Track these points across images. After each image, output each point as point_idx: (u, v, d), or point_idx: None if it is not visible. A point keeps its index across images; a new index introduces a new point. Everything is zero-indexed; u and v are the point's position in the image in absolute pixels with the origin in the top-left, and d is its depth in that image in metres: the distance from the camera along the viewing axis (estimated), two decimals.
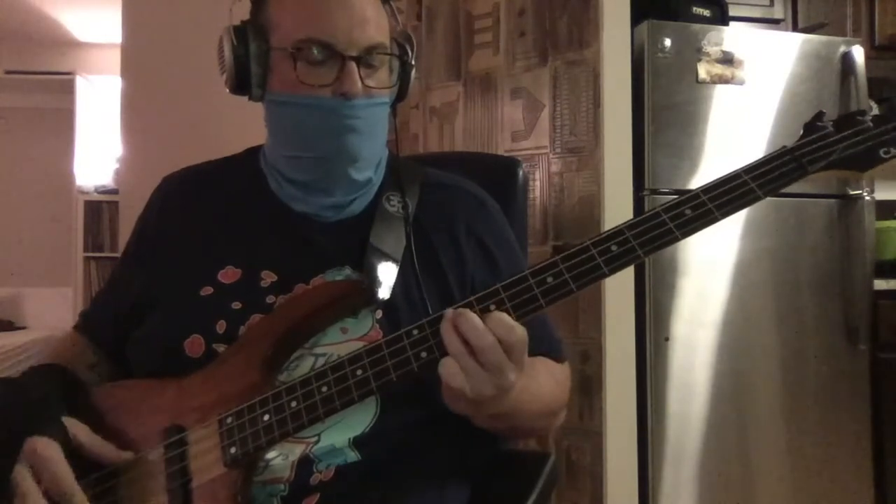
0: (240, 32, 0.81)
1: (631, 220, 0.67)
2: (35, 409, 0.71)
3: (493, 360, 0.63)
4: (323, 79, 0.77)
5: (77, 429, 0.71)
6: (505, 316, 0.64)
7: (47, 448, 0.67)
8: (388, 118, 0.86)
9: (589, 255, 0.65)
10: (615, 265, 0.65)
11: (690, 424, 1.86)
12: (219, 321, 0.78)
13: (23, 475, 0.66)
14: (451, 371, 0.63)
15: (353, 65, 0.77)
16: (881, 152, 0.66)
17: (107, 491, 0.70)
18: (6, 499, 0.65)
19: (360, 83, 0.78)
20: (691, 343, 1.86)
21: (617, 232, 0.66)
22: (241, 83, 0.82)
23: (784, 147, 0.68)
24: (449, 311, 0.65)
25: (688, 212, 0.66)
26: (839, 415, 1.99)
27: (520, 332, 0.64)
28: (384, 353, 0.66)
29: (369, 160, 0.85)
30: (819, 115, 0.69)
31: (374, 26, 0.80)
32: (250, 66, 0.81)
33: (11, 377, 0.76)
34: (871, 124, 0.67)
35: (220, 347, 0.77)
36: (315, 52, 0.77)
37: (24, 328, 4.18)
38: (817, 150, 0.67)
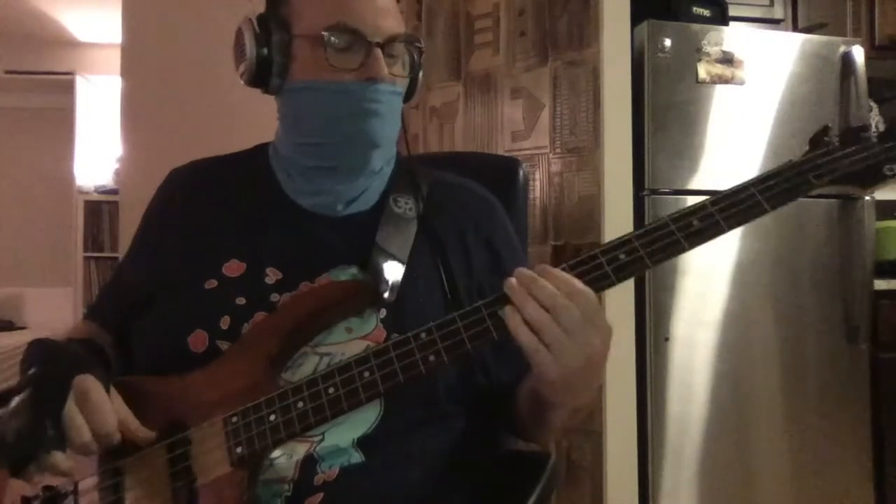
0: (262, 23, 0.82)
1: (639, 229, 0.68)
2: (84, 359, 0.73)
3: (571, 318, 0.62)
4: (349, 64, 0.79)
5: (115, 397, 0.72)
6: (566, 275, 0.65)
7: (95, 386, 0.69)
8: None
9: (597, 263, 0.66)
10: (623, 273, 0.66)
11: (690, 424, 1.86)
12: (223, 317, 0.78)
13: (74, 411, 0.67)
14: (531, 344, 0.63)
15: (379, 50, 0.79)
16: (885, 170, 0.67)
17: (110, 489, 0.70)
18: (60, 433, 0.66)
19: (385, 68, 0.80)
20: (691, 343, 1.87)
21: (625, 241, 0.67)
22: (260, 74, 0.83)
23: (790, 161, 0.69)
24: (513, 282, 0.64)
25: (695, 223, 0.67)
26: (839, 415, 1.99)
27: (590, 293, 0.65)
28: (392, 356, 0.67)
29: (387, 147, 0.86)
30: (825, 130, 0.70)
31: (394, 17, 0.83)
32: (272, 55, 0.82)
33: (53, 339, 0.77)
34: (875, 140, 0.68)
35: (224, 344, 0.77)
36: (343, 37, 0.79)
37: (24, 328, 4.18)
38: (823, 165, 0.68)
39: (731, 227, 0.67)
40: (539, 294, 0.63)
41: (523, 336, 0.63)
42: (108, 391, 0.71)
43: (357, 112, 0.80)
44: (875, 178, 0.68)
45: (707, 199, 0.68)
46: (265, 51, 0.82)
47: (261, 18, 0.83)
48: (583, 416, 0.80)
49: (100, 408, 0.68)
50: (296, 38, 0.82)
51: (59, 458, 0.65)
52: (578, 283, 0.64)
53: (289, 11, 0.83)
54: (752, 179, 0.68)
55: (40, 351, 0.74)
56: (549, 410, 0.76)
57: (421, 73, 0.90)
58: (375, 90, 0.80)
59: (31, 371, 0.70)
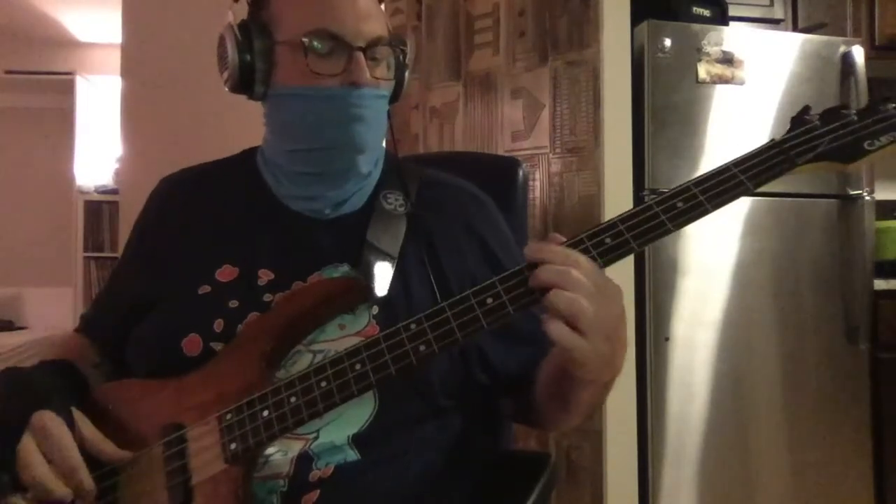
0: (243, 29, 0.82)
1: (624, 213, 0.67)
2: (44, 394, 0.72)
3: (588, 293, 0.61)
4: (332, 69, 0.79)
5: (81, 422, 0.71)
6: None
7: (54, 422, 0.68)
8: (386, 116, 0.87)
9: (583, 248, 0.66)
10: (609, 257, 0.66)
11: (690, 424, 1.86)
12: (216, 320, 0.78)
13: (29, 447, 0.66)
14: (562, 332, 0.61)
15: (361, 55, 0.79)
16: (865, 144, 0.68)
17: (106, 490, 0.70)
18: (12, 471, 0.65)
19: (368, 73, 0.79)
20: (691, 343, 1.86)
21: (611, 225, 0.67)
22: (244, 80, 0.83)
23: (772, 140, 0.70)
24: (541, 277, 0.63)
25: (679, 204, 0.67)
26: (839, 415, 1.99)
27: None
28: (382, 348, 0.67)
29: (373, 152, 0.86)
30: (805, 110, 0.71)
31: (377, 20, 0.82)
32: (255, 62, 0.81)
33: (21, 367, 0.76)
34: (855, 117, 0.69)
35: (218, 346, 0.77)
36: (324, 43, 0.78)
37: (24, 328, 4.18)
38: (804, 142, 0.68)
39: (715, 208, 0.67)
40: (560, 280, 0.62)
41: (564, 337, 0.62)
42: (71, 421, 0.69)
43: (341, 118, 0.80)
44: (856, 153, 0.68)
45: (690, 181, 0.68)
46: (247, 57, 0.81)
47: (242, 24, 0.83)
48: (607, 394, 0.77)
49: (60, 443, 0.67)
50: (277, 45, 0.81)
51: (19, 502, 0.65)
52: (578, 254, 0.64)
53: (270, 17, 0.83)
54: (734, 159, 0.69)
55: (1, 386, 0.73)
56: (581, 390, 0.73)
57: (407, 73, 0.89)
58: (359, 96, 0.79)
59: None
